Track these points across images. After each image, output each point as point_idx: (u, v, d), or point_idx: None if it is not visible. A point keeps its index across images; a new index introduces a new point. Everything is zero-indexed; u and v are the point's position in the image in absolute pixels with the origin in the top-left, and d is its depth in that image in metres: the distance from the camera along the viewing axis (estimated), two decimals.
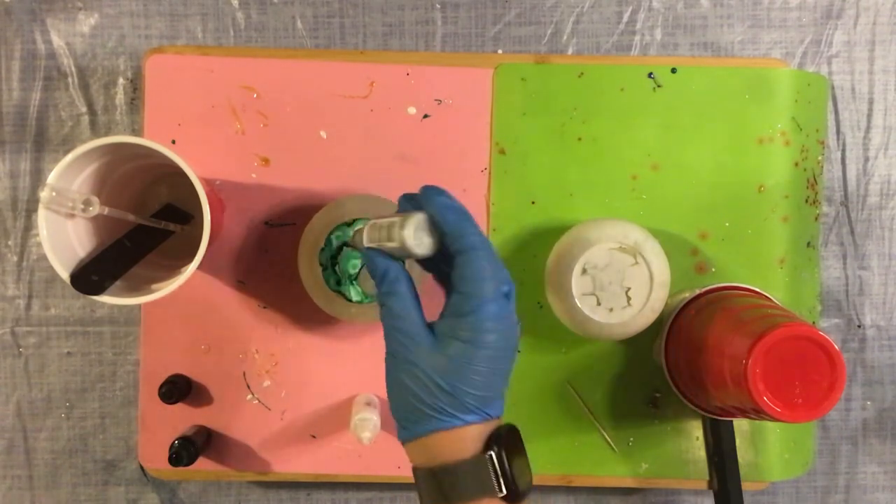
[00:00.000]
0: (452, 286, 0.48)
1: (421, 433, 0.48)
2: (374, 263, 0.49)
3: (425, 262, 0.51)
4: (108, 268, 0.59)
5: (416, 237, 0.46)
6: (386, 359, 0.49)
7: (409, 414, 0.48)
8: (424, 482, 0.48)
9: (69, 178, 0.58)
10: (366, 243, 0.49)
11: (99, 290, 0.58)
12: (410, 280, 0.49)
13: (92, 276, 0.58)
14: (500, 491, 0.46)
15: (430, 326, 0.49)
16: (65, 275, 0.57)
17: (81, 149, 0.56)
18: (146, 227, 0.63)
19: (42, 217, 0.57)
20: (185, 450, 0.64)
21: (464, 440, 0.47)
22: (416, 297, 0.49)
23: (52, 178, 0.56)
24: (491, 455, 0.47)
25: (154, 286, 0.59)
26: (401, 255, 0.48)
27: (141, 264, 0.62)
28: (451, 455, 0.47)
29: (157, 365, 0.68)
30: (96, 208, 0.58)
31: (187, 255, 0.59)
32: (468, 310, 0.47)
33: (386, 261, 0.49)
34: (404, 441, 0.50)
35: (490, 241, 0.51)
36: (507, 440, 0.48)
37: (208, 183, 0.65)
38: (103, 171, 0.60)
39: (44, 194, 0.56)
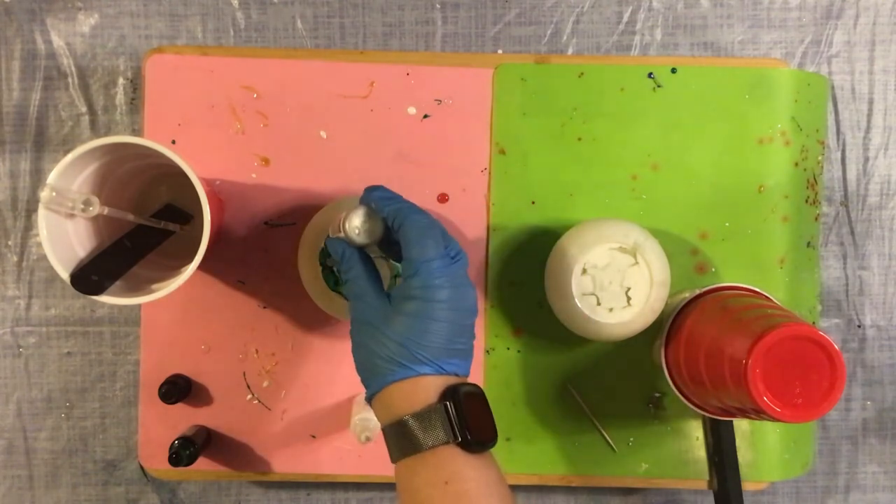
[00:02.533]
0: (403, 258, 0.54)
1: (379, 386, 0.52)
2: (333, 248, 0.56)
3: (390, 254, 0.58)
4: (108, 268, 0.59)
5: (353, 228, 0.55)
6: (350, 328, 0.54)
7: (368, 371, 0.53)
8: (389, 437, 0.52)
9: (69, 178, 0.58)
10: (342, 233, 0.57)
11: (99, 290, 0.58)
12: (367, 259, 0.56)
13: (92, 276, 0.58)
14: (454, 438, 0.49)
15: (388, 295, 0.54)
16: (65, 275, 0.57)
17: (81, 149, 0.56)
18: (146, 227, 0.63)
19: (42, 217, 0.57)
20: (185, 450, 0.64)
21: (417, 391, 0.51)
22: (373, 271, 0.55)
23: (52, 178, 0.56)
24: (446, 404, 0.49)
25: (154, 286, 0.59)
26: (359, 244, 0.56)
27: (141, 264, 0.62)
28: (408, 406, 0.50)
29: (157, 365, 0.68)
30: (96, 208, 0.58)
31: (187, 255, 0.59)
32: (413, 271, 0.52)
33: (342, 244, 0.56)
34: (369, 400, 0.54)
35: (437, 221, 0.55)
36: (465, 394, 0.50)
37: (208, 183, 0.65)
38: (103, 171, 0.60)
39: (44, 194, 0.56)
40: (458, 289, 0.52)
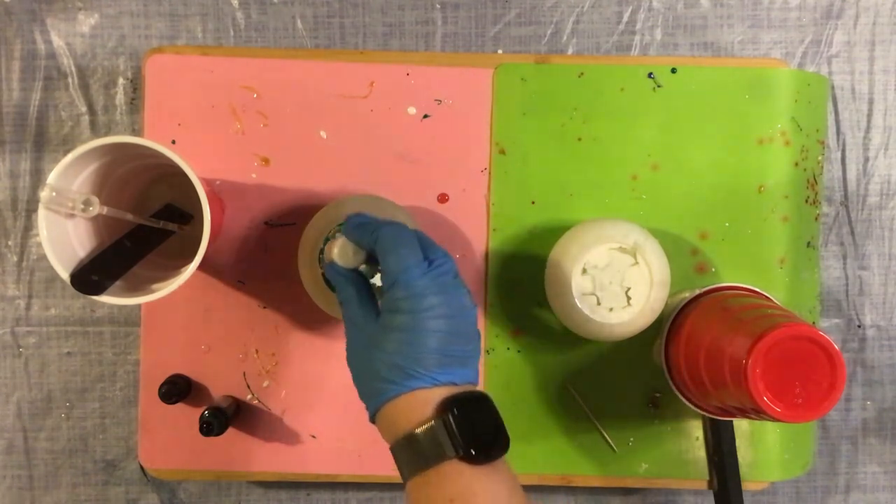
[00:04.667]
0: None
1: (376, 406, 0.51)
2: (327, 273, 0.56)
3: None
4: (108, 268, 0.59)
5: (339, 255, 0.55)
6: (346, 354, 0.53)
7: (365, 394, 0.52)
8: (396, 457, 0.50)
9: (69, 178, 0.58)
10: (325, 261, 0.58)
11: (99, 290, 0.58)
12: (360, 282, 0.55)
13: (92, 276, 0.58)
14: (456, 453, 0.47)
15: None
16: (65, 275, 0.57)
17: (81, 149, 0.56)
18: (146, 227, 0.63)
19: (42, 217, 0.57)
20: (216, 419, 0.63)
21: (415, 407, 0.49)
22: (366, 294, 0.54)
23: (52, 178, 0.56)
24: (444, 418, 0.48)
25: (154, 286, 0.59)
26: (347, 269, 0.56)
27: (141, 264, 0.62)
28: (407, 424, 0.49)
29: (157, 365, 0.68)
30: (96, 208, 0.58)
31: (187, 255, 0.59)
32: (389, 282, 0.50)
33: (331, 268, 0.55)
34: (372, 420, 0.52)
35: (414, 230, 0.54)
36: (464, 403, 0.48)
37: (208, 183, 0.65)
38: (103, 171, 0.60)
39: (44, 194, 0.56)
40: (445, 294, 0.50)
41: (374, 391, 0.50)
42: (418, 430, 0.48)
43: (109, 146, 0.57)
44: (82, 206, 0.57)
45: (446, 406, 0.48)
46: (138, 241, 0.62)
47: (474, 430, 0.48)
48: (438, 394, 0.49)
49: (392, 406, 0.50)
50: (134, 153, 0.60)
